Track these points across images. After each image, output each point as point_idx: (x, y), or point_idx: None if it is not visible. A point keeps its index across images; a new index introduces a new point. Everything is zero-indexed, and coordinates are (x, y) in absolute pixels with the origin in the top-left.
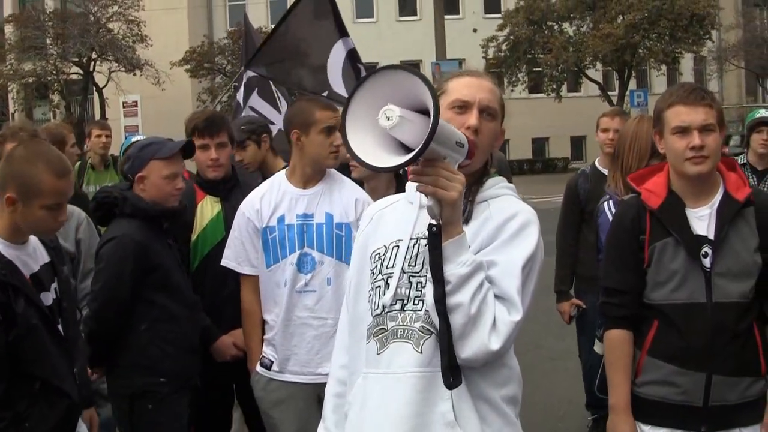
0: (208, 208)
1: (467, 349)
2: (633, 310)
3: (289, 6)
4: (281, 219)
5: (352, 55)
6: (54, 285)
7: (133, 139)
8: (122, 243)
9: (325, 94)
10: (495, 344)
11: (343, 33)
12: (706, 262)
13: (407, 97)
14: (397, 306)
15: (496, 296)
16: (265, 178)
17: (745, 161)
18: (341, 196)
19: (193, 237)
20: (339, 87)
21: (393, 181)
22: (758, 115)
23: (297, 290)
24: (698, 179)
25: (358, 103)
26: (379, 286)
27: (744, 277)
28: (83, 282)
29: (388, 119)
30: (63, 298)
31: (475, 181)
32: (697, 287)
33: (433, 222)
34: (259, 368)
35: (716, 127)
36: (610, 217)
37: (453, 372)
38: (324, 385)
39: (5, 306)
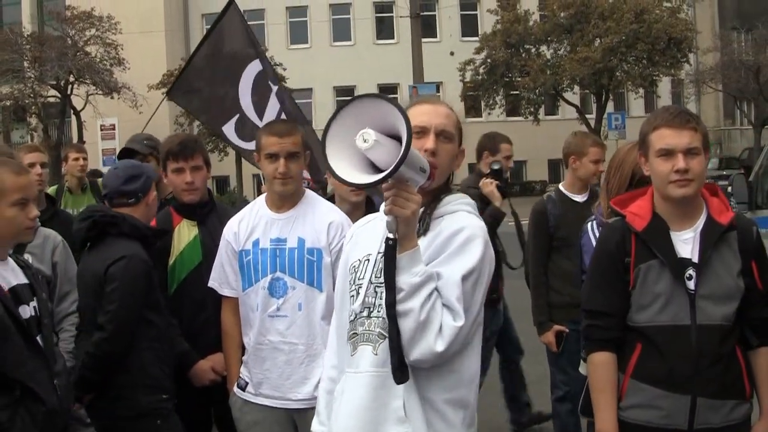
0: (185, 232)
1: (416, 352)
2: (618, 333)
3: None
4: (256, 242)
5: (262, 77)
6: (33, 304)
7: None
8: (133, 262)
9: (236, 116)
10: (440, 347)
11: (258, 54)
12: (690, 284)
13: (384, 123)
14: (365, 313)
15: (443, 304)
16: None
17: None
18: (314, 221)
19: (171, 261)
20: (250, 111)
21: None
22: None
23: (269, 314)
24: (682, 202)
25: (339, 124)
26: (353, 296)
27: (727, 300)
28: (59, 305)
29: (365, 141)
30: (43, 316)
31: (433, 198)
32: (681, 309)
33: (390, 236)
34: (235, 389)
35: (701, 150)
36: (592, 238)
37: (402, 369)
38: (297, 410)
39: None
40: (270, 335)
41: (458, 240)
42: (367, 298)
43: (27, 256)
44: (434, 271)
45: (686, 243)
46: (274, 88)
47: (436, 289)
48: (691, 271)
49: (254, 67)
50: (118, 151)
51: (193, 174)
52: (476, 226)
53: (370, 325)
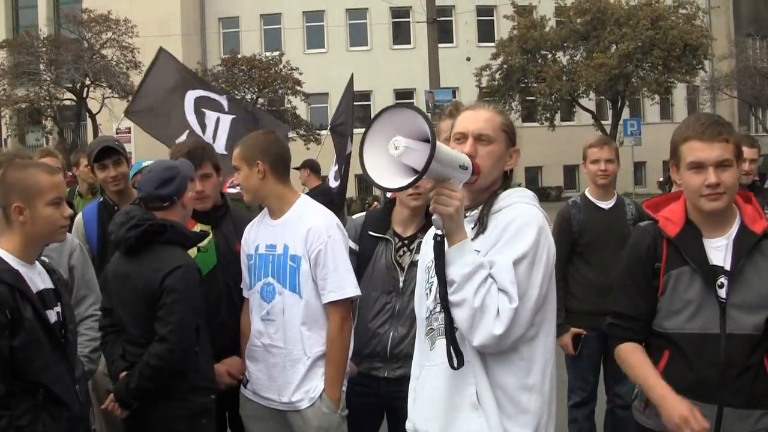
0: None
1: (477, 337)
2: (639, 336)
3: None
4: (256, 248)
5: (199, 102)
6: (57, 309)
7: (145, 164)
8: (189, 271)
9: (186, 131)
10: (498, 329)
11: (188, 86)
12: (722, 292)
13: (413, 130)
14: (438, 309)
15: (498, 289)
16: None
17: None
18: (299, 227)
19: None
20: (195, 125)
21: None
22: None
23: (261, 318)
24: (714, 214)
25: (373, 136)
26: (427, 293)
27: (759, 309)
28: (76, 309)
29: (396, 149)
30: (67, 322)
31: (490, 195)
32: (711, 318)
33: (438, 232)
34: (242, 386)
35: (733, 161)
36: None
37: (456, 355)
38: (286, 412)
39: (14, 310)
40: (263, 338)
41: (511, 229)
42: (438, 294)
43: (44, 260)
44: (485, 260)
45: (718, 250)
46: (222, 100)
47: (489, 275)
48: (722, 279)
49: (192, 94)
50: (134, 155)
51: (202, 182)
52: (530, 214)
53: (444, 320)
